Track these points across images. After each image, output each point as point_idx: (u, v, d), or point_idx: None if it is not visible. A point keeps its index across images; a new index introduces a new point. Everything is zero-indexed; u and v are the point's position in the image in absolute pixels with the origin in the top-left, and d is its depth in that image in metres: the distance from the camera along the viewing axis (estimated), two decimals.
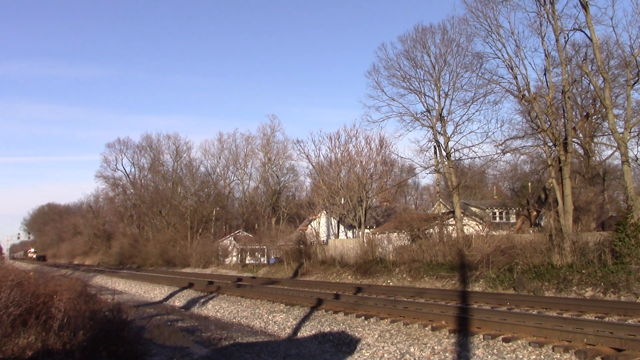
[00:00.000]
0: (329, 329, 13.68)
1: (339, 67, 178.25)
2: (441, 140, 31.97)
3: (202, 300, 22.97)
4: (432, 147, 33.00)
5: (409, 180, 62.95)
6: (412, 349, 10.73)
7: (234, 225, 71.23)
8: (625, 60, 23.82)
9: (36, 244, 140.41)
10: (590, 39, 23.69)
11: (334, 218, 47.05)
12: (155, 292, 29.53)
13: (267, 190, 69.26)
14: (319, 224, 50.01)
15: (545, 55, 26.21)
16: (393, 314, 14.14)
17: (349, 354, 11.27)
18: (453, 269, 24.14)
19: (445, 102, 32.15)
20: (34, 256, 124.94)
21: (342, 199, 39.66)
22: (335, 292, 22.25)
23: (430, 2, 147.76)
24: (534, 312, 14.33)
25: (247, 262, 52.44)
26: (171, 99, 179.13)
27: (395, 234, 32.92)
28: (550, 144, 26.30)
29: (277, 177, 70.27)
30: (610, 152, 32.86)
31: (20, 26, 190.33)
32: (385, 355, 10.75)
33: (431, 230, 31.23)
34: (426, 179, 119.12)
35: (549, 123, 25.97)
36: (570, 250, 20.74)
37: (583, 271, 19.01)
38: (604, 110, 27.56)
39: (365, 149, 39.73)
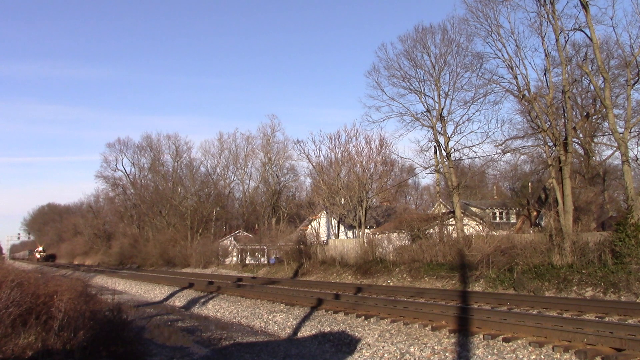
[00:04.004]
0: (329, 329, 13.68)
1: (339, 67, 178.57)
2: (441, 140, 31.98)
3: (202, 300, 22.96)
4: (432, 147, 33.06)
5: (409, 180, 62.98)
6: (412, 349, 10.73)
7: (234, 225, 71.17)
8: (626, 60, 23.83)
9: (41, 242, 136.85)
10: (591, 39, 23.69)
11: (334, 218, 47.02)
12: (155, 292, 29.53)
13: (267, 190, 69.17)
14: (319, 224, 49.96)
15: (546, 55, 26.21)
16: (393, 314, 14.13)
17: (349, 354, 11.26)
18: (453, 269, 24.13)
19: (445, 102, 32.22)
20: (43, 255, 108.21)
21: (342, 199, 39.62)
22: (335, 292, 22.25)
23: (430, 2, 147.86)
24: (534, 312, 14.32)
25: (247, 262, 52.39)
26: (171, 99, 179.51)
27: (396, 234, 32.90)
28: (551, 144, 26.29)
29: (277, 177, 70.18)
30: (610, 152, 32.95)
31: (20, 26, 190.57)
32: (386, 355, 10.75)
33: (431, 230, 31.23)
34: (426, 179, 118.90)
35: (549, 123, 25.95)
36: (571, 250, 20.74)
37: (583, 271, 19.00)
38: (604, 110, 27.55)
39: (366, 149, 39.69)
